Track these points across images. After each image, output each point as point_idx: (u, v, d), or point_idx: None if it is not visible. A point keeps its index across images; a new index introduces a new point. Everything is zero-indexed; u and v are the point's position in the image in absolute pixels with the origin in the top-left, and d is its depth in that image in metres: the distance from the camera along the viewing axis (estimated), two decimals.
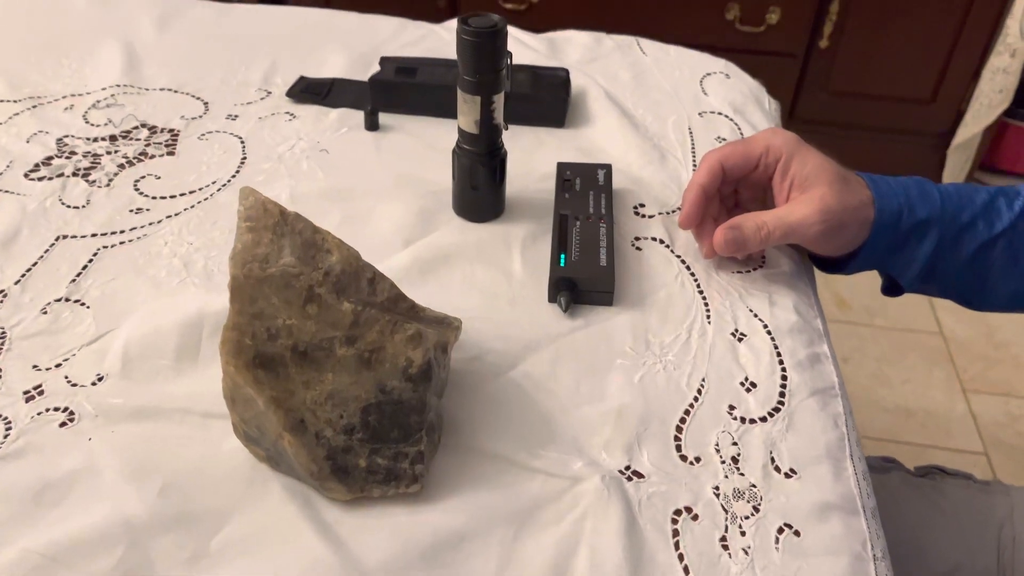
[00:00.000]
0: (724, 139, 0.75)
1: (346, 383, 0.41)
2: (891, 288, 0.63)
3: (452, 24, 0.92)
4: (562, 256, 0.56)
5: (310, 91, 0.77)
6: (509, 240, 0.60)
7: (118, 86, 0.77)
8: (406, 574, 0.39)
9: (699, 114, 0.79)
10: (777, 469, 0.46)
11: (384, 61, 0.78)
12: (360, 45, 0.85)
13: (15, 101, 0.74)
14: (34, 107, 0.73)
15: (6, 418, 0.46)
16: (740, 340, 0.53)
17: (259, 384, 0.40)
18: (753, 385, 0.50)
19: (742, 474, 0.45)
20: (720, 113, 0.79)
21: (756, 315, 0.55)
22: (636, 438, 0.47)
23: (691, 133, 0.76)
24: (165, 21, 0.88)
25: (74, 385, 0.48)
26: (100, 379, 0.48)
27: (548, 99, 0.75)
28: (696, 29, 1.70)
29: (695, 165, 0.70)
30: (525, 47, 0.87)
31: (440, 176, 0.65)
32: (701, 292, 0.57)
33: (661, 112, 0.78)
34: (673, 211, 0.64)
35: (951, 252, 0.57)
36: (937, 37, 1.75)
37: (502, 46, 0.55)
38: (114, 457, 0.44)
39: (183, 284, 0.55)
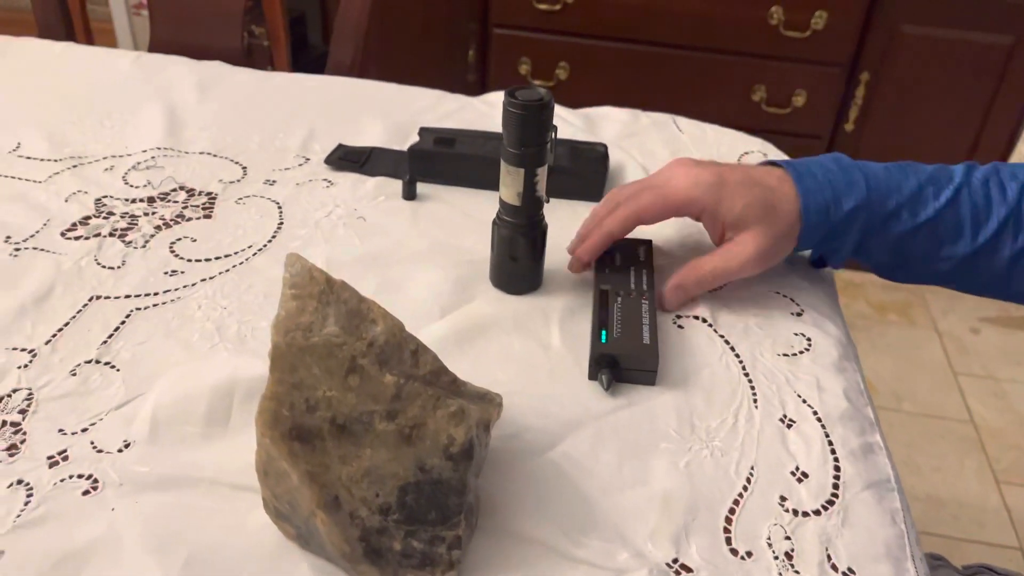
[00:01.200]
0: None
1: (384, 459, 0.39)
2: (819, 262, 0.66)
3: (489, 97, 0.92)
4: (603, 332, 0.54)
5: (348, 159, 0.77)
6: (547, 313, 0.59)
7: (158, 148, 0.77)
8: None
9: None
10: (834, 568, 0.43)
11: (423, 131, 0.78)
12: (398, 115, 0.85)
13: (56, 160, 0.74)
14: (75, 167, 0.74)
15: (28, 484, 0.44)
16: (789, 427, 0.51)
17: (294, 457, 0.38)
18: (805, 475, 0.48)
19: (797, 572, 0.43)
20: None
21: (805, 400, 0.53)
22: (684, 528, 0.44)
23: None
24: (206, 86, 0.89)
25: (99, 451, 0.46)
26: (127, 445, 0.47)
27: (587, 173, 0.74)
28: (724, 110, 1.72)
29: None
30: (563, 121, 0.87)
31: (477, 245, 0.64)
32: (747, 374, 0.55)
33: None
34: (716, 290, 0.63)
35: (876, 237, 0.60)
36: (963, 124, 1.76)
37: (548, 119, 0.55)
38: (137, 528, 0.42)
39: (215, 348, 0.54)
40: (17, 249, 0.62)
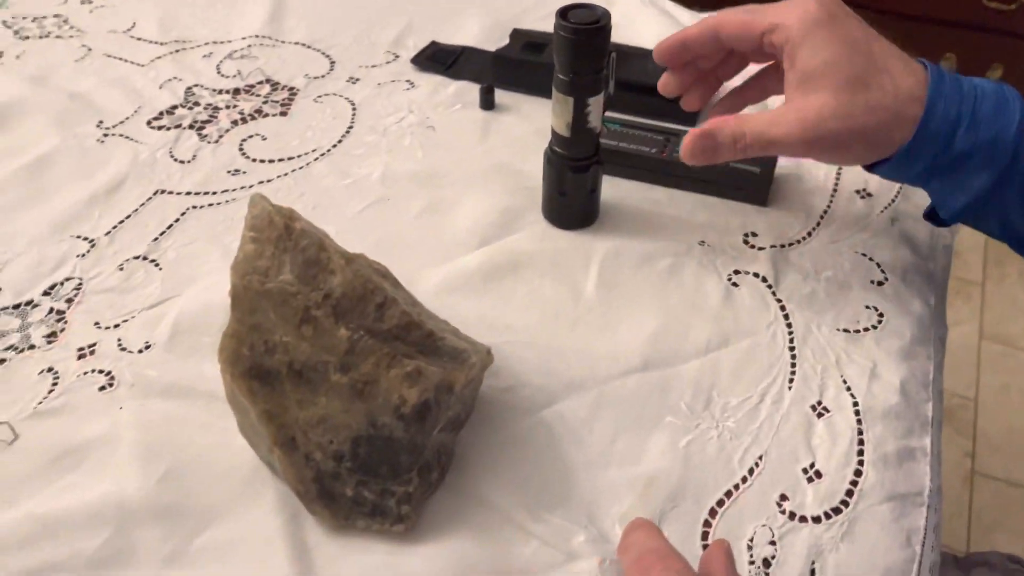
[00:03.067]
0: (871, 194, 0.64)
1: (338, 410, 0.38)
2: (933, 214, 0.52)
3: None
4: None
5: (436, 59, 0.74)
6: (590, 255, 0.55)
7: (256, 36, 0.78)
8: None
9: None
10: None
11: (515, 34, 0.73)
12: (501, 13, 0.81)
13: (162, 44, 0.77)
14: (176, 51, 0.76)
15: (56, 373, 0.48)
16: (820, 416, 0.46)
17: (253, 395, 0.38)
18: (818, 475, 0.43)
19: None
20: None
21: (849, 388, 0.47)
22: (659, 515, 0.41)
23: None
24: None
25: (123, 349, 0.49)
26: (147, 347, 0.49)
27: None
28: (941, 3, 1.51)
29: (835, 188, 0.61)
30: (677, 25, 0.79)
31: (540, 170, 0.60)
32: (792, 348, 0.50)
33: None
34: (790, 244, 0.56)
35: (1015, 190, 0.45)
36: None
37: (604, 44, 0.49)
38: (134, 432, 0.44)
39: None
40: (106, 135, 0.66)
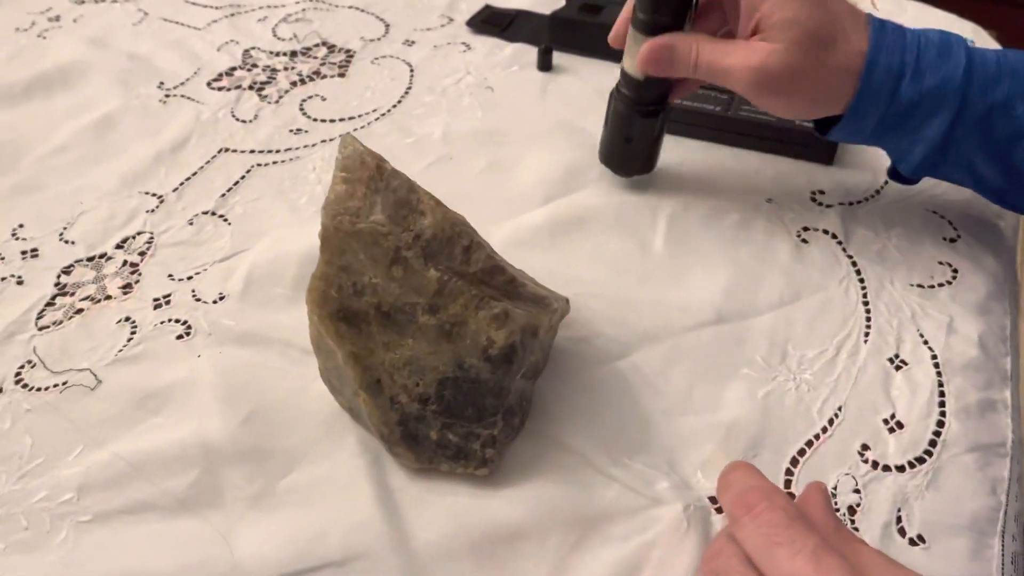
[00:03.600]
0: None
1: (425, 352, 0.39)
2: (896, 173, 0.52)
3: None
4: None
5: (491, 22, 0.74)
6: (657, 210, 0.55)
7: (310, 0, 0.78)
8: (452, 561, 0.37)
9: None
10: (902, 532, 0.39)
11: None
12: None
13: (217, 8, 0.77)
14: (232, 15, 0.76)
15: (134, 323, 0.48)
16: (898, 369, 0.46)
17: (340, 338, 0.39)
18: (899, 425, 0.43)
19: (856, 529, 0.39)
20: None
21: (926, 341, 0.47)
22: None
23: None
24: None
25: (198, 300, 0.50)
26: (221, 298, 0.50)
27: None
28: None
29: None
30: None
31: (601, 129, 0.60)
32: (866, 303, 0.49)
33: None
34: (858, 202, 0.56)
35: (973, 136, 0.45)
36: None
37: None
38: (213, 377, 0.45)
39: (317, 214, 0.55)
40: (167, 95, 0.66)
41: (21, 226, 0.55)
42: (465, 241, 0.39)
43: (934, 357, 0.46)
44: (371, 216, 0.38)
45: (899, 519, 0.39)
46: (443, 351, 0.38)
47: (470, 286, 0.39)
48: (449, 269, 0.38)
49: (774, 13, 0.45)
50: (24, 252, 0.53)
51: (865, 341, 0.47)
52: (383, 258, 0.38)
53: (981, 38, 0.73)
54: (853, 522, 0.39)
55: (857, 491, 0.40)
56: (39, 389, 0.45)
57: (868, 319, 0.48)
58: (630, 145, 0.55)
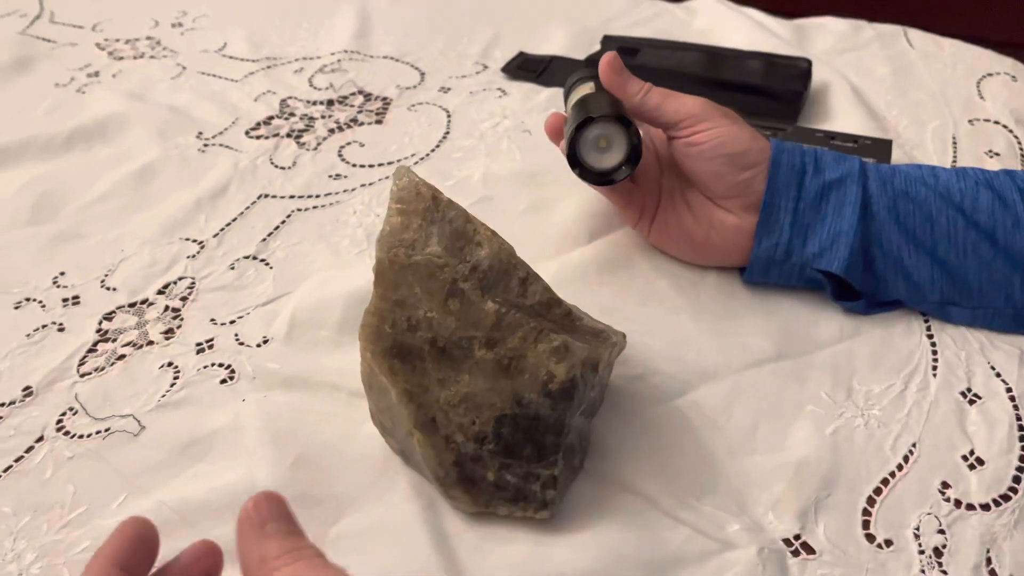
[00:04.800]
0: (997, 154, 0.63)
1: (482, 388, 0.37)
2: (839, 293, 0.49)
3: (693, 4, 0.85)
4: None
5: (526, 68, 0.74)
6: None
7: (345, 52, 0.78)
8: None
9: (969, 122, 0.66)
10: (993, 573, 0.36)
11: (606, 40, 0.73)
12: (587, 21, 0.81)
13: (254, 61, 0.78)
14: (268, 67, 0.77)
15: (176, 368, 0.47)
16: (972, 403, 0.44)
17: (394, 375, 0.37)
18: (979, 462, 0.41)
19: (944, 571, 0.37)
20: (996, 122, 0.66)
21: (999, 374, 0.45)
22: (814, 503, 0.39)
23: (955, 144, 0.64)
24: None
25: (241, 344, 0.48)
26: (265, 341, 0.49)
27: (781, 91, 0.66)
28: (998, 27, 1.48)
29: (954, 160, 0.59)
30: (766, 32, 0.78)
31: None
32: (930, 336, 0.47)
33: (921, 116, 0.67)
34: None
35: (889, 227, 0.47)
36: None
37: None
38: (259, 421, 0.44)
39: (360, 256, 0.54)
40: (206, 145, 0.66)
41: (62, 274, 0.54)
42: (522, 273, 0.38)
43: (1009, 390, 0.44)
44: (427, 248, 0.37)
45: (988, 560, 0.37)
46: (501, 386, 0.37)
47: (528, 319, 0.37)
48: (507, 301, 0.37)
49: (690, 104, 0.48)
50: (65, 300, 0.52)
51: (934, 375, 0.45)
52: (439, 291, 0.37)
53: (1021, 74, 0.73)
54: (940, 564, 0.37)
55: (942, 531, 0.38)
56: (81, 436, 0.44)
57: (934, 352, 0.47)
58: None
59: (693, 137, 0.48)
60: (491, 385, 0.37)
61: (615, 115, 0.47)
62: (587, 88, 0.51)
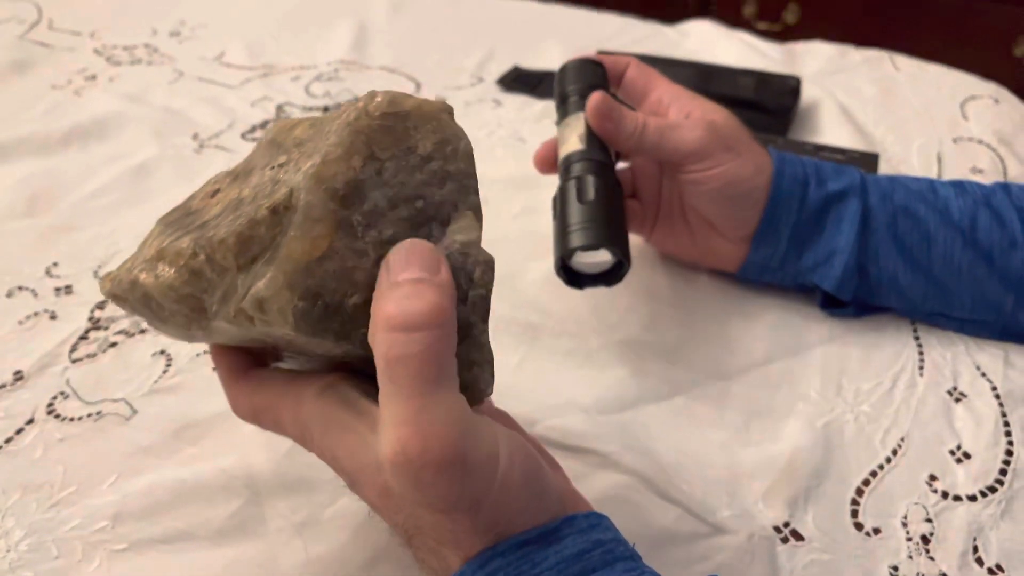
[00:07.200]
0: (981, 171, 0.64)
1: None
2: (827, 301, 0.49)
3: (685, 26, 0.87)
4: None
5: (521, 81, 0.75)
6: None
7: (342, 62, 0.79)
8: None
9: (953, 140, 0.68)
10: (979, 561, 0.37)
11: (601, 56, 0.74)
12: (581, 40, 0.82)
13: (251, 68, 0.79)
14: (265, 75, 0.77)
15: (169, 355, 0.47)
16: (958, 401, 0.44)
17: None
18: (966, 455, 0.42)
19: (931, 558, 0.37)
20: (980, 141, 0.68)
21: (984, 374, 0.46)
22: (804, 492, 0.40)
23: (939, 160, 0.66)
24: (400, 5, 0.90)
25: None
26: None
27: (771, 106, 0.68)
28: (978, 63, 1.51)
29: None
30: (757, 53, 0.80)
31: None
32: (917, 337, 0.48)
33: (906, 133, 0.69)
34: None
35: (886, 244, 0.46)
36: None
37: None
38: None
39: None
40: (201, 146, 0.67)
41: (55, 264, 0.54)
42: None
43: (994, 389, 0.45)
44: None
45: (975, 548, 0.37)
46: None
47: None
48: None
49: (692, 131, 0.46)
50: (58, 289, 0.52)
51: (920, 374, 0.46)
52: None
53: (1004, 98, 0.75)
54: (928, 551, 0.37)
55: (929, 520, 0.38)
56: (72, 419, 0.43)
57: (921, 352, 0.47)
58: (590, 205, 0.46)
59: (695, 176, 0.46)
60: None
61: (599, 245, 0.44)
62: (578, 125, 0.49)
